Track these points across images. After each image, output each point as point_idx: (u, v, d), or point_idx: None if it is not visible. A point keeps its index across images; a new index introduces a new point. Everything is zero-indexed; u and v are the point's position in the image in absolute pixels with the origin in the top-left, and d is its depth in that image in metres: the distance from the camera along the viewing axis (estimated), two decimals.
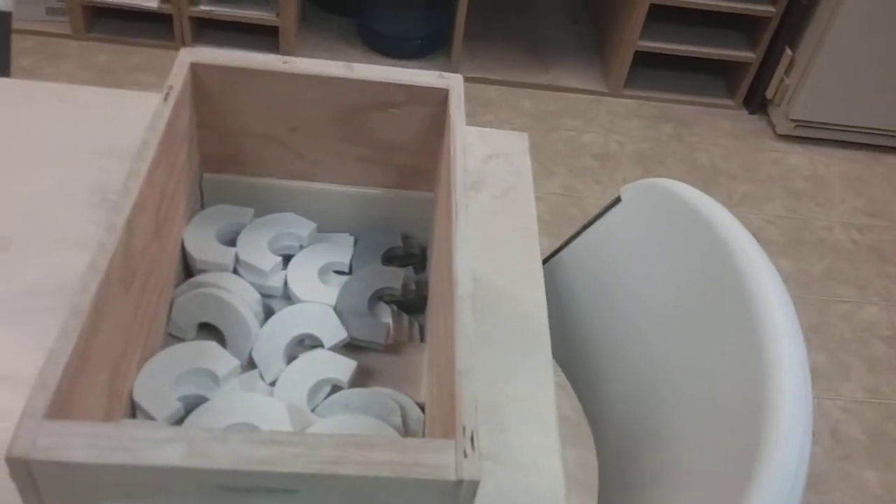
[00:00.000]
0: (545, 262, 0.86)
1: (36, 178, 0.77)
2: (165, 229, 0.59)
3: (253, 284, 0.62)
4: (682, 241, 0.73)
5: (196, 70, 0.62)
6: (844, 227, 1.95)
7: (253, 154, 0.68)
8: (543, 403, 0.65)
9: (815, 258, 1.86)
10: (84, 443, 0.37)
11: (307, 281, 0.63)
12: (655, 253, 0.76)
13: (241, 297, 0.60)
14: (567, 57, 2.34)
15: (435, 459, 0.39)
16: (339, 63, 0.64)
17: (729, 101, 2.27)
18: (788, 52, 2.11)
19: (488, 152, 0.89)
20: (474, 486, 0.39)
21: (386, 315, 0.63)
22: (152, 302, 0.57)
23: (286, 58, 0.63)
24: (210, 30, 2.16)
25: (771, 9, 2.07)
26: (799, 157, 2.14)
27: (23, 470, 0.37)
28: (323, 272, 0.65)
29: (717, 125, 2.21)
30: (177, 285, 0.63)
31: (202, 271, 0.63)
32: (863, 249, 1.89)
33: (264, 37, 2.13)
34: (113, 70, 2.04)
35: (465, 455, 0.40)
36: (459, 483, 0.39)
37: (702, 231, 0.71)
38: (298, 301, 0.62)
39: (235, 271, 0.63)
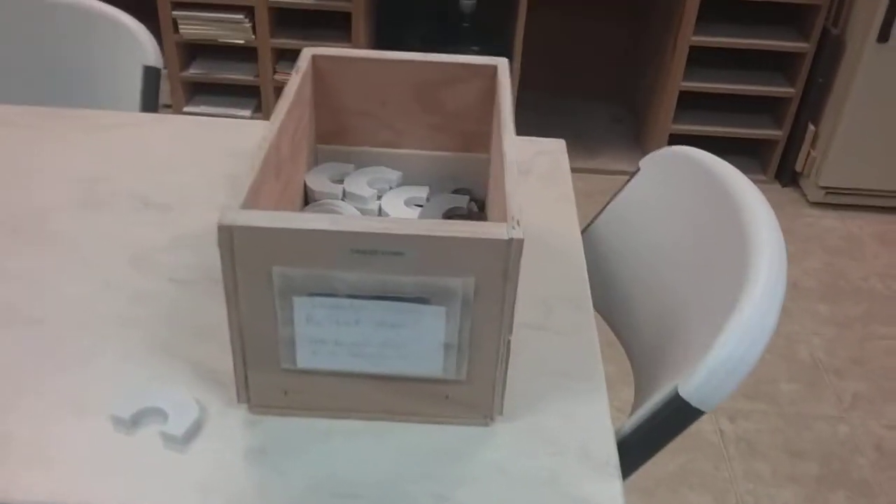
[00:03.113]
0: (583, 231, 1.05)
1: (187, 170, 1.02)
2: (295, 163, 0.81)
3: (356, 208, 0.83)
4: (691, 192, 0.92)
5: (315, 60, 0.87)
6: (880, 277, 2.07)
7: (352, 127, 0.91)
8: (580, 292, 0.83)
9: (852, 303, 1.98)
10: (265, 217, 0.58)
11: (396, 206, 0.84)
12: (670, 205, 0.95)
13: (348, 213, 0.81)
14: (609, 146, 2.60)
15: (495, 230, 0.58)
16: (416, 52, 0.88)
17: (762, 177, 2.47)
18: (812, 127, 2.32)
19: (535, 150, 1.11)
20: (520, 244, 0.58)
21: None
22: (287, 209, 0.78)
23: (379, 52, 0.88)
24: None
25: (791, 89, 2.31)
26: (832, 221, 2.30)
27: (227, 235, 0.58)
28: (408, 203, 0.86)
29: None
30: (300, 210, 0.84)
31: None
32: None
33: None
34: None
35: (514, 228, 0.59)
36: (510, 241, 0.58)
37: (707, 181, 0.90)
38: None
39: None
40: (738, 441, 1.58)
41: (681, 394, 0.64)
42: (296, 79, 0.81)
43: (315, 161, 0.92)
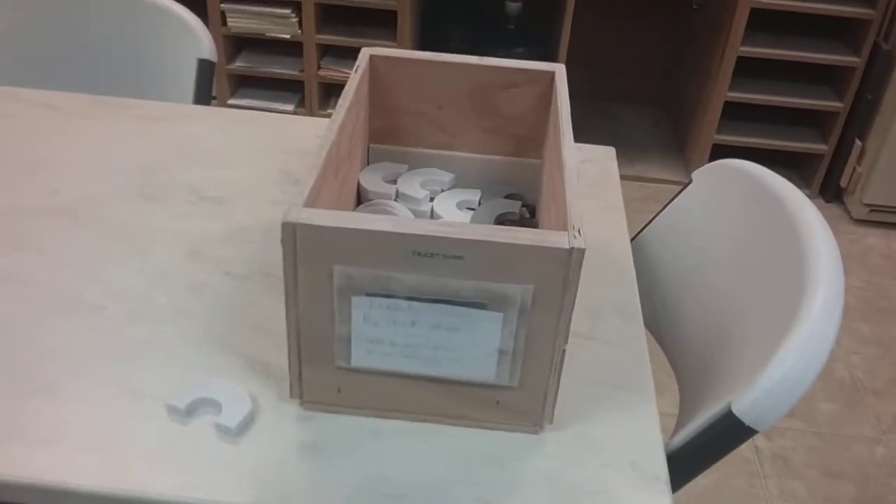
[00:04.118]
0: (632, 240, 1.05)
1: (239, 164, 1.03)
2: (351, 161, 0.82)
3: (409, 209, 0.84)
4: (744, 205, 0.91)
5: (373, 60, 0.87)
6: None
7: (405, 128, 0.91)
8: (630, 303, 0.82)
9: (894, 323, 1.94)
10: (329, 216, 0.59)
11: (448, 208, 0.84)
12: (722, 218, 0.94)
13: (402, 214, 0.82)
14: (649, 153, 2.58)
15: (557, 238, 0.58)
16: (473, 56, 0.88)
17: (805, 191, 2.42)
18: (858, 143, 2.28)
19: (582, 158, 1.10)
20: (581, 253, 0.58)
21: None
22: (343, 209, 0.79)
23: (436, 53, 0.88)
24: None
25: (839, 104, 2.27)
26: (875, 239, 2.26)
27: (290, 232, 0.59)
28: (459, 206, 0.86)
29: None
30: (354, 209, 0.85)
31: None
32: None
33: None
34: None
35: (575, 237, 0.59)
36: (571, 251, 0.58)
37: (761, 196, 0.89)
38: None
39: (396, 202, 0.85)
40: (774, 459, 1.56)
41: (734, 411, 0.64)
42: (355, 77, 0.81)
43: (367, 160, 0.93)
